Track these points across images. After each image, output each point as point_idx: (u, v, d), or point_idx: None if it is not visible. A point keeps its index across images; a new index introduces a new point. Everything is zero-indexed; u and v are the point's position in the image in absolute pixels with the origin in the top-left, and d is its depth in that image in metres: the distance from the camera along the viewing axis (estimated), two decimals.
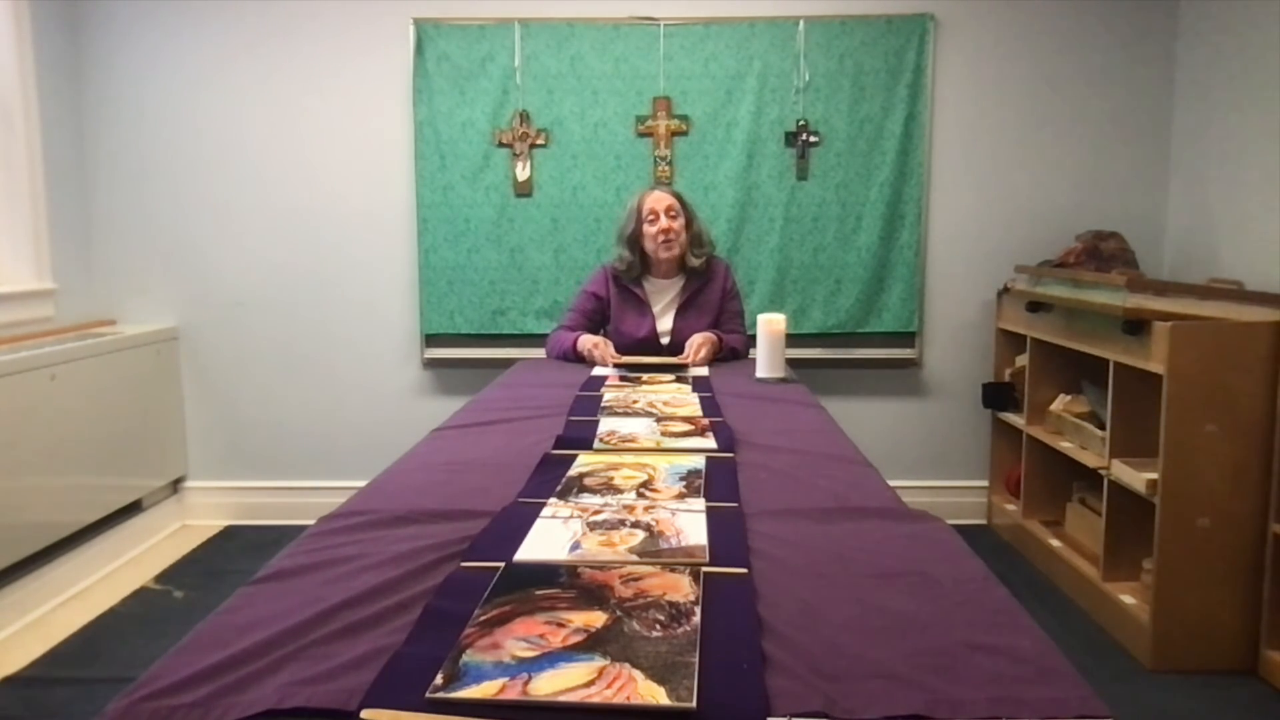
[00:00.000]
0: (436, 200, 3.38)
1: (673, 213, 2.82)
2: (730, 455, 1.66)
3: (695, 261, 2.88)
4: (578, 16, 3.31)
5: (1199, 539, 2.37)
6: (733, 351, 2.88)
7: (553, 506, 1.36)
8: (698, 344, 2.75)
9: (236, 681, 0.86)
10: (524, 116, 3.35)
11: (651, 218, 2.82)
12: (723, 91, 3.33)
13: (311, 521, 1.33)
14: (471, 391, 2.75)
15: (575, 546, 1.19)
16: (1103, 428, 2.75)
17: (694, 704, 0.80)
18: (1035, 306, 3.08)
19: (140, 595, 2.92)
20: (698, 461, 1.61)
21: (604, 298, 2.94)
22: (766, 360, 2.51)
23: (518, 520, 1.29)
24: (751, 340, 2.76)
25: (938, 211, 3.43)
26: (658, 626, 0.94)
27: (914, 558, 1.16)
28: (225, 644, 0.92)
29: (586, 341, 2.80)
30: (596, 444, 1.75)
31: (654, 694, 0.82)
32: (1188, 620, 2.39)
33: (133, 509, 3.30)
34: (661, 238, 2.81)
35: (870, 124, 3.33)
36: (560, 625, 0.95)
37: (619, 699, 0.81)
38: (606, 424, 1.92)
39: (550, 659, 0.88)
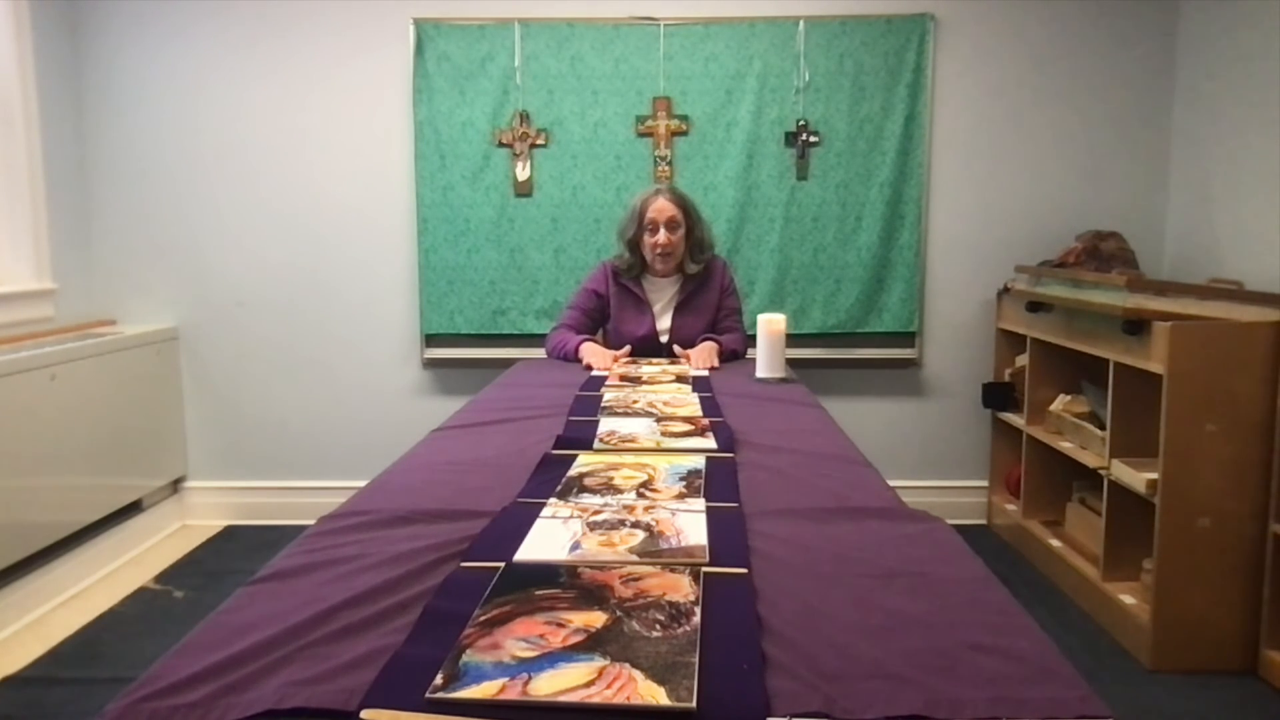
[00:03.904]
0: (436, 200, 3.38)
1: (673, 225, 2.80)
2: (730, 455, 1.66)
3: (693, 269, 2.87)
4: (578, 16, 3.31)
5: (1199, 539, 2.37)
6: (732, 352, 2.88)
7: (553, 506, 1.35)
8: (702, 358, 2.72)
9: (236, 681, 0.86)
10: (524, 116, 3.35)
11: (651, 228, 2.81)
12: (723, 91, 3.33)
13: (311, 521, 1.33)
14: (471, 391, 2.75)
15: (575, 546, 1.19)
16: (1103, 428, 2.75)
17: (694, 704, 0.80)
18: (1035, 306, 3.08)
19: (140, 595, 2.92)
20: (698, 461, 1.61)
21: (604, 295, 2.93)
22: (766, 360, 2.51)
23: (518, 520, 1.29)
24: (751, 340, 2.75)
25: (938, 211, 3.43)
26: (658, 626, 0.94)
27: (914, 558, 1.16)
28: (225, 644, 0.92)
29: (588, 354, 2.76)
30: (596, 444, 1.75)
31: (654, 694, 0.81)
32: (1188, 620, 2.39)
33: (133, 509, 3.30)
34: (658, 249, 2.81)
35: (870, 124, 3.33)
36: (560, 625, 0.95)
37: (619, 699, 0.81)
38: (606, 424, 1.92)
39: (550, 659, 0.88)
